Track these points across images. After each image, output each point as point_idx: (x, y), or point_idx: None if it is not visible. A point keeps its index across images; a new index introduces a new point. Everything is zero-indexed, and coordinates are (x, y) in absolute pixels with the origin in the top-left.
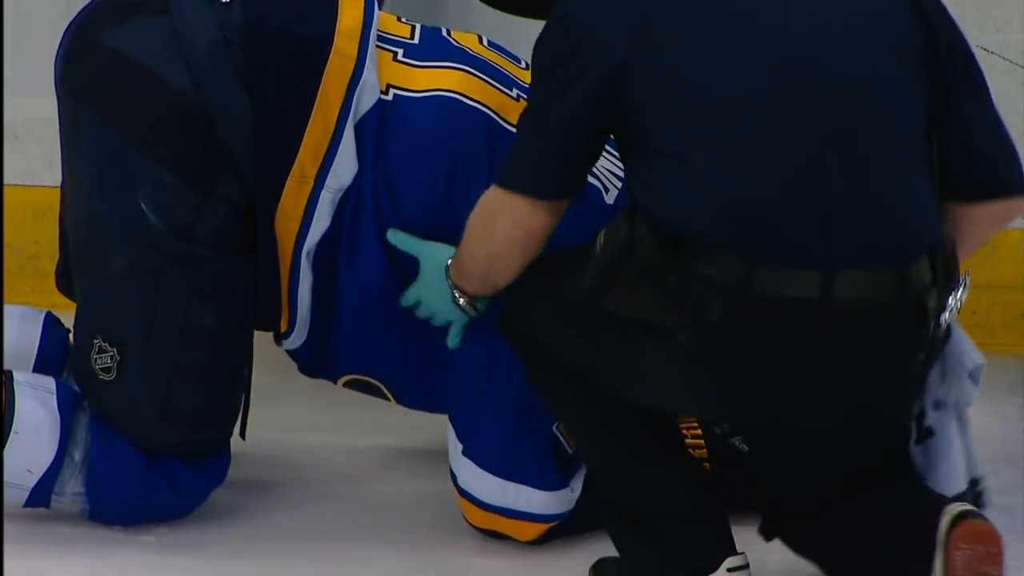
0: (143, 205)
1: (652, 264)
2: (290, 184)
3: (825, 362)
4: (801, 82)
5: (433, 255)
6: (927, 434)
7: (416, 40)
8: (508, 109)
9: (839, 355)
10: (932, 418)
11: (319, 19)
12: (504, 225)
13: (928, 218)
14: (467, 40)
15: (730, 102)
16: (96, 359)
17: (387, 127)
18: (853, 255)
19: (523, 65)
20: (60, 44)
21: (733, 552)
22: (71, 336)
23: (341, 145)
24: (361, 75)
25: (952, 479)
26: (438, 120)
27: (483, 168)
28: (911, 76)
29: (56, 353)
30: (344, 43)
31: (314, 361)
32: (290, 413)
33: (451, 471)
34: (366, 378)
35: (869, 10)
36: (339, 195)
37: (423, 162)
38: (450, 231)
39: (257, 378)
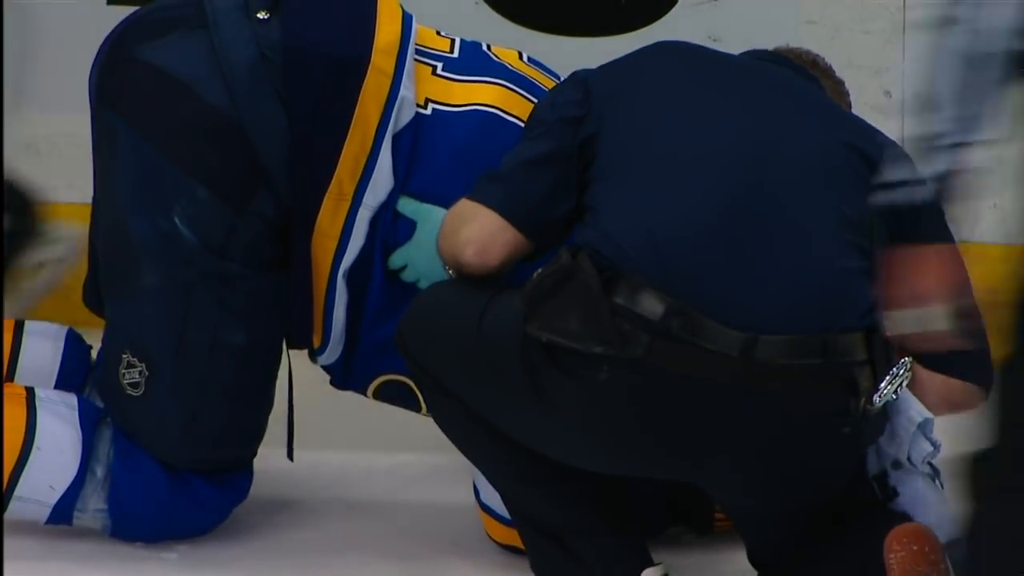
0: (177, 220)
1: (588, 291)
2: (327, 202)
3: (738, 416)
4: (739, 164)
5: (430, 219)
6: (892, 494)
7: (456, 54)
8: None
9: (754, 411)
10: (894, 478)
11: (357, 36)
12: (467, 232)
13: (861, 300)
14: (507, 56)
15: (673, 164)
16: (124, 374)
17: (424, 141)
18: (778, 320)
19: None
20: (96, 57)
21: (650, 563)
22: (94, 352)
23: (379, 160)
24: (399, 91)
25: (942, 527)
26: (477, 134)
27: None
28: (850, 188)
29: (78, 369)
30: (381, 60)
31: (347, 372)
32: (311, 430)
33: (474, 487)
34: (400, 377)
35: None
36: (375, 212)
37: (460, 177)
38: None
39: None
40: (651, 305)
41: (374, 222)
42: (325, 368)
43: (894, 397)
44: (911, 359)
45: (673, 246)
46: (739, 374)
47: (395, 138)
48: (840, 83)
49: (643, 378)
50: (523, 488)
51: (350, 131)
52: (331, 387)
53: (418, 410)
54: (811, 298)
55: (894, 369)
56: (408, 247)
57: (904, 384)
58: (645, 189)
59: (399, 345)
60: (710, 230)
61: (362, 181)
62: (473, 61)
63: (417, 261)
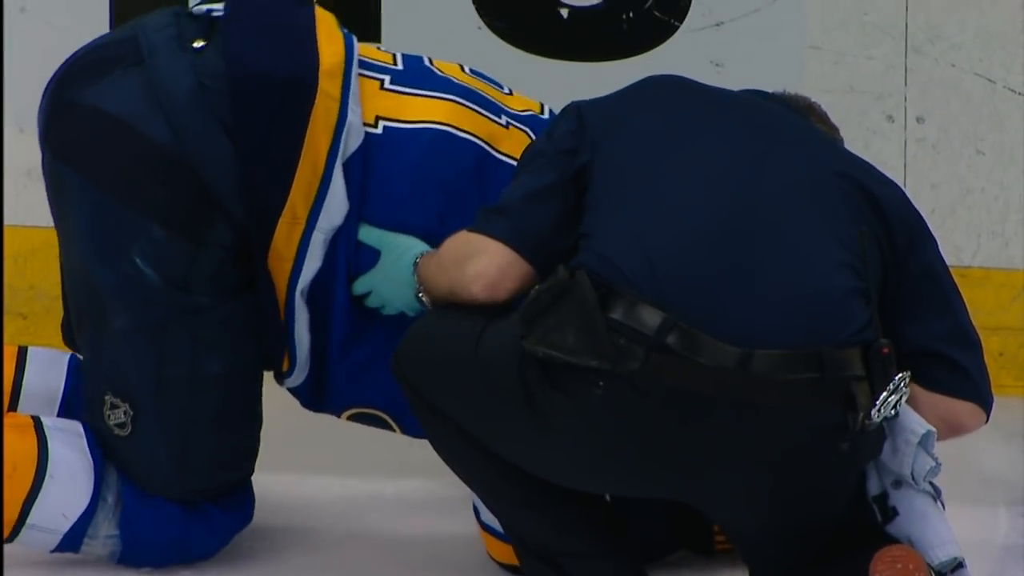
0: (138, 261)
1: (585, 306)
2: (281, 226)
3: (735, 431)
4: (732, 186)
5: (393, 247)
6: (892, 514)
7: (401, 66)
8: (498, 137)
9: (750, 426)
10: (894, 497)
11: (300, 58)
12: (476, 265)
13: (856, 317)
14: (450, 69)
15: (666, 187)
16: (109, 415)
17: (376, 163)
18: (774, 334)
19: (506, 91)
20: (40, 103)
21: None
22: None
23: (331, 186)
24: (347, 116)
25: (941, 547)
26: (429, 153)
27: (474, 199)
28: (844, 213)
29: (81, 396)
30: (328, 84)
31: (315, 397)
32: (309, 453)
33: (474, 506)
34: (370, 410)
35: (811, 163)
36: (331, 235)
37: (415, 198)
38: None
39: (276, 419)
40: (647, 319)
41: (333, 246)
42: (291, 391)
43: (892, 413)
44: (909, 376)
45: (668, 264)
46: (735, 389)
47: (346, 164)
48: (834, 130)
49: (639, 393)
50: (520, 512)
51: (301, 158)
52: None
53: (393, 431)
54: (806, 313)
55: (892, 384)
56: (372, 274)
57: (903, 400)
58: (639, 212)
59: (395, 371)
60: (704, 248)
61: (315, 205)
62: (419, 74)
63: (381, 288)
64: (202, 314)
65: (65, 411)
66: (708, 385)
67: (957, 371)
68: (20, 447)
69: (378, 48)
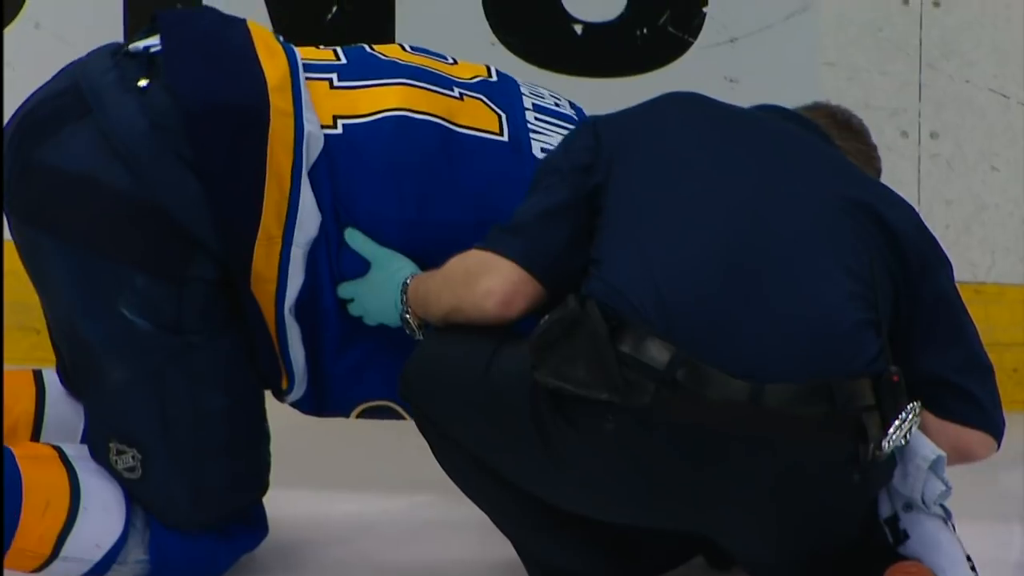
0: (126, 312)
1: (596, 339)
2: (258, 249)
3: (745, 465)
4: (743, 215)
5: (385, 264)
6: (903, 536)
7: (344, 60)
8: (455, 111)
9: (761, 460)
10: (905, 520)
11: (246, 80)
12: (489, 282)
13: (867, 347)
14: (392, 51)
15: (677, 216)
16: (116, 460)
17: (342, 164)
18: (784, 368)
19: (451, 61)
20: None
21: None
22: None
23: (300, 200)
24: (304, 128)
25: (952, 569)
26: (392, 142)
27: (447, 178)
28: (855, 243)
29: (87, 439)
30: (279, 99)
31: (319, 404)
32: (321, 470)
33: None
34: (377, 403)
35: (823, 192)
36: (308, 248)
37: (389, 190)
38: (432, 249)
39: (286, 437)
40: (656, 354)
41: (312, 257)
42: (293, 405)
43: (903, 443)
44: (920, 404)
45: (677, 296)
46: (745, 423)
47: (311, 174)
48: (872, 147)
49: (649, 428)
50: (531, 533)
51: (267, 180)
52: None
53: (403, 419)
54: (816, 345)
55: (903, 414)
56: (359, 283)
57: (913, 429)
58: (649, 241)
59: (402, 393)
60: (714, 280)
61: (288, 222)
62: (365, 65)
63: (366, 299)
64: (197, 352)
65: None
66: (719, 419)
67: (969, 400)
68: (50, 480)
69: (317, 47)
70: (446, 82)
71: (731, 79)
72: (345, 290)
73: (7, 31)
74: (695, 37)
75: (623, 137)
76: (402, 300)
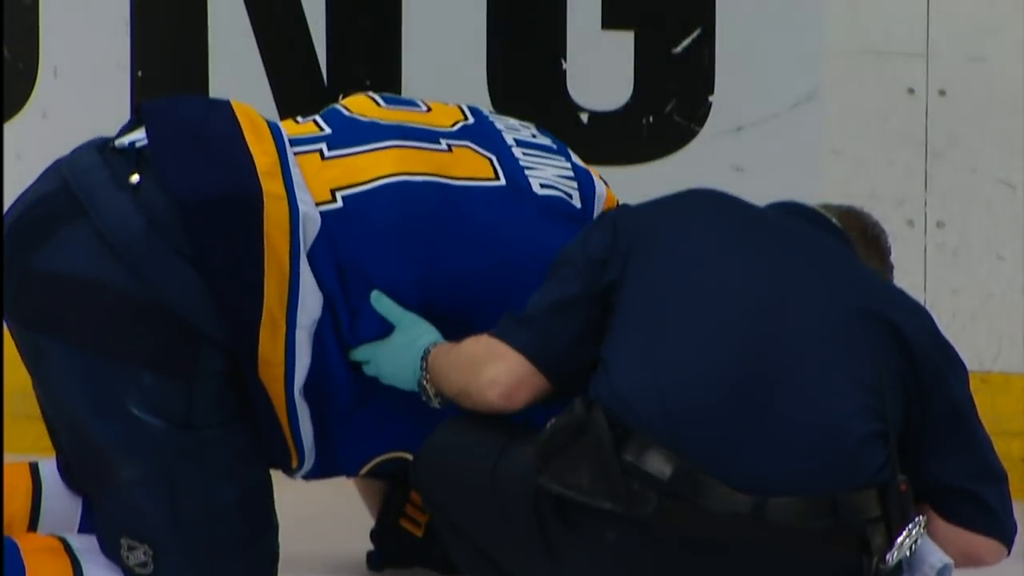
0: (135, 411)
1: (600, 447)
2: (263, 333)
3: (749, 575)
4: (753, 324)
5: (410, 328)
6: None
7: (329, 130)
8: (448, 165)
9: (764, 571)
10: None
11: (236, 167)
12: (494, 372)
13: (874, 458)
14: (365, 106)
15: (689, 320)
16: (128, 556)
17: (346, 237)
18: (788, 481)
19: (425, 108)
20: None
21: None
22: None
23: (301, 282)
24: (298, 209)
25: None
26: (397, 208)
27: (455, 231)
28: (866, 353)
29: (96, 535)
30: (271, 184)
31: (327, 468)
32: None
33: None
34: (384, 457)
35: (836, 300)
36: (313, 328)
37: (398, 253)
38: (452, 304)
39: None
40: (660, 465)
41: (319, 334)
42: (304, 477)
43: (908, 554)
44: (926, 520)
45: (684, 407)
46: (748, 537)
47: (310, 254)
48: (889, 268)
49: (652, 539)
50: None
51: (266, 265)
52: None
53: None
54: (822, 459)
55: (909, 527)
56: (378, 345)
57: (919, 540)
58: (659, 346)
59: (414, 482)
60: (722, 392)
61: (291, 305)
62: (348, 130)
63: (382, 362)
64: (209, 446)
65: (86, 527)
66: (722, 532)
67: (980, 506)
68: (54, 572)
69: (295, 121)
70: (432, 136)
71: (737, 168)
72: (362, 352)
73: (14, 121)
74: (701, 126)
75: (641, 233)
76: (422, 367)
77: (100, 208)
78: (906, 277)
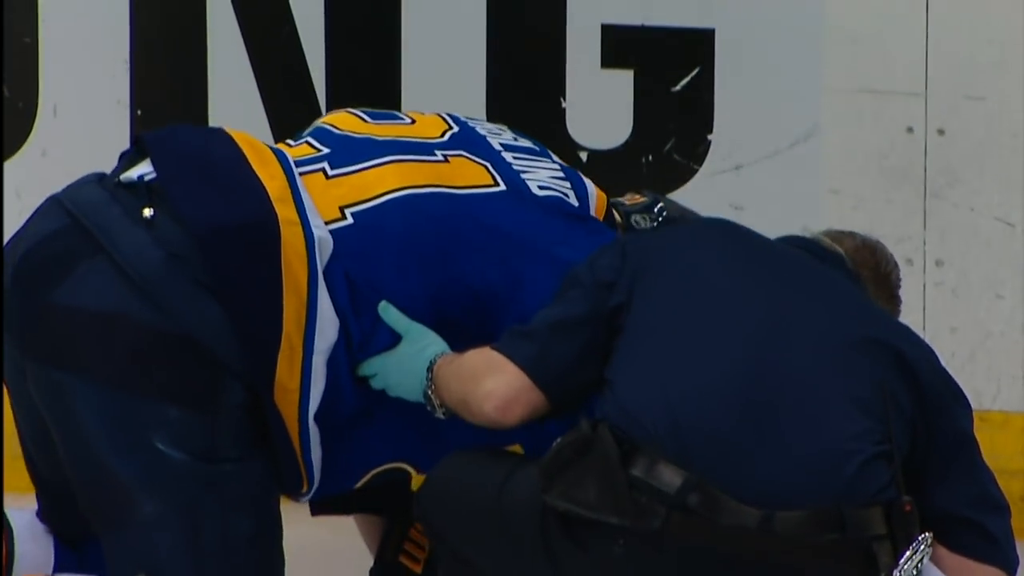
0: (159, 445)
1: (607, 462)
2: (281, 360)
3: None
4: (759, 347)
5: (417, 339)
6: None
7: (326, 148)
8: (447, 176)
9: None
10: None
11: (248, 195)
12: (492, 384)
13: (879, 476)
14: (352, 123)
15: (696, 342)
16: None
17: (359, 252)
18: (795, 494)
19: (409, 121)
20: (6, 313)
21: None
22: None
23: (319, 307)
24: (313, 233)
25: None
26: (406, 220)
27: (465, 238)
28: (870, 377)
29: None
30: (284, 210)
31: (329, 485)
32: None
33: None
34: (387, 466)
35: (840, 327)
36: (329, 353)
37: (412, 268)
38: (466, 312)
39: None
40: (668, 479)
41: (333, 358)
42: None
43: (914, 573)
44: (932, 536)
45: (692, 423)
46: (755, 549)
47: (324, 276)
48: (896, 302)
49: (659, 552)
50: None
51: (284, 291)
52: None
53: (409, 476)
54: (828, 472)
55: (914, 544)
56: (385, 357)
57: (925, 560)
58: (666, 366)
59: (417, 514)
60: (729, 410)
61: (308, 331)
62: (346, 148)
63: (390, 374)
64: (231, 478)
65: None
66: (729, 545)
67: (983, 535)
68: None
69: (288, 144)
70: (426, 148)
71: (736, 206)
72: (369, 366)
73: (14, 159)
74: (700, 164)
75: (649, 258)
76: (428, 377)
77: (117, 243)
78: (905, 316)
